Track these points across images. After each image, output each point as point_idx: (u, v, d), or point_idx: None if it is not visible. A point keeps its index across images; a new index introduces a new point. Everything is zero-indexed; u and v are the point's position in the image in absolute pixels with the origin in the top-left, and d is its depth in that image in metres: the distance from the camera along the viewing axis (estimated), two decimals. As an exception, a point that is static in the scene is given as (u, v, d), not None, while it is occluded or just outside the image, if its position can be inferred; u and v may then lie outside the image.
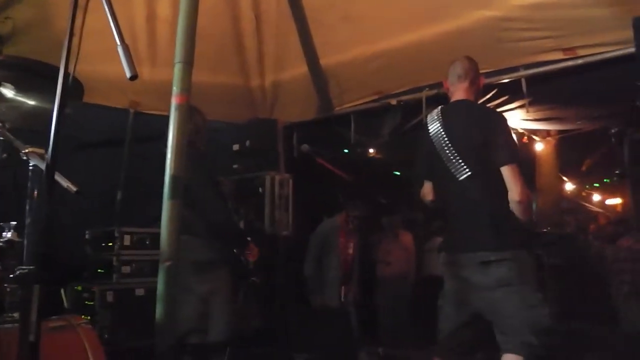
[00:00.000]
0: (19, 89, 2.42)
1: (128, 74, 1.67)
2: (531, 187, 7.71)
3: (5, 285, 2.05)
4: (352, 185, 4.31)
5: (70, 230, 5.04)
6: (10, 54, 4.11)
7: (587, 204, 11.76)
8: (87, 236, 5.25)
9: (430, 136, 2.96)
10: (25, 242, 2.13)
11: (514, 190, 2.73)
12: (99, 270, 5.06)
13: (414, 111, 5.01)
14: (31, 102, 2.48)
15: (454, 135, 2.89)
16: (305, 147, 3.96)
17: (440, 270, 3.13)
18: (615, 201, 11.63)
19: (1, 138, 2.30)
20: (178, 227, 2.87)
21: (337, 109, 5.48)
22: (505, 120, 2.92)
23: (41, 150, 2.04)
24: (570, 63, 4.18)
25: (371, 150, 7.34)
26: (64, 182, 1.91)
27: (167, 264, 2.82)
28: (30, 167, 2.12)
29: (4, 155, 2.34)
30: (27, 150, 2.07)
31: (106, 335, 4.66)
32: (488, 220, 2.79)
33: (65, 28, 1.67)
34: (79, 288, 4.95)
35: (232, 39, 5.08)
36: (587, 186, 11.91)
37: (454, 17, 4.25)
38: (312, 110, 5.63)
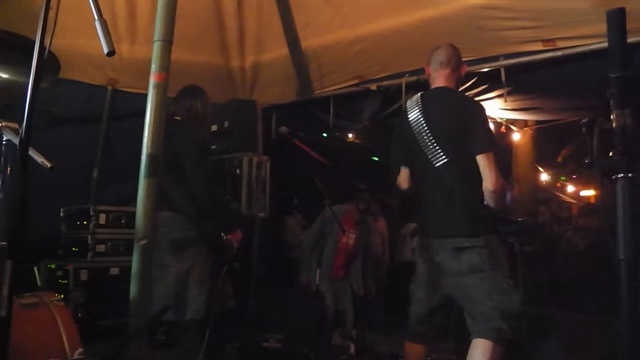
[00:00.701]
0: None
1: (105, 50, 1.66)
2: (507, 176, 7.83)
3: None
4: (329, 169, 4.32)
5: (45, 208, 5.00)
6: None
7: (561, 195, 11.93)
8: (62, 214, 5.22)
9: (409, 122, 2.97)
10: (-2, 217, 2.10)
11: (488, 179, 2.75)
12: (74, 249, 5.04)
13: (393, 97, 5.02)
14: (4, 75, 2.44)
15: (432, 122, 2.90)
16: (283, 129, 3.94)
17: (412, 256, 3.16)
18: (589, 192, 11.80)
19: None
20: (154, 205, 2.86)
21: (317, 92, 5.47)
22: (483, 109, 2.93)
23: (15, 125, 2.02)
24: (549, 54, 4.21)
25: (350, 135, 7.37)
26: (38, 158, 1.89)
27: (142, 242, 2.81)
28: (4, 142, 2.10)
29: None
30: (0, 125, 2.04)
31: (80, 314, 4.65)
32: (462, 206, 2.81)
33: (41, 1, 1.64)
34: (53, 266, 4.92)
35: (213, 18, 5.03)
36: (562, 177, 12.08)
37: (437, 3, 4.25)
38: (292, 92, 5.62)
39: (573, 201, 11.35)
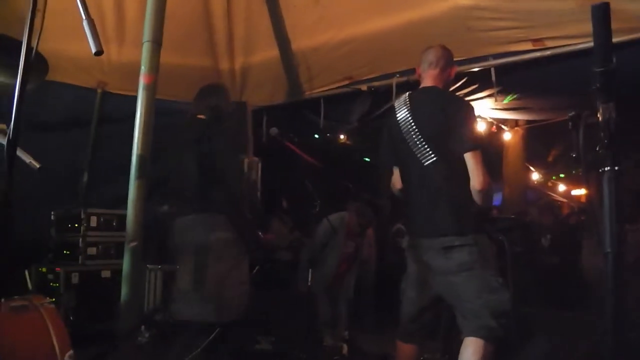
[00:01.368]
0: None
1: (93, 49, 1.65)
2: (498, 176, 7.86)
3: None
4: (321, 171, 4.32)
5: (36, 211, 4.97)
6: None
7: (552, 194, 11.98)
8: (52, 217, 5.18)
9: (398, 121, 2.97)
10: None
11: (475, 178, 2.75)
12: (65, 252, 5.00)
13: (383, 98, 5.03)
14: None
15: (420, 121, 2.90)
16: (274, 130, 3.94)
17: (393, 258, 3.16)
18: (580, 192, 11.86)
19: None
20: (144, 207, 2.86)
21: (307, 93, 5.47)
22: (469, 107, 2.93)
23: (2, 125, 2.00)
24: (538, 54, 4.23)
25: (341, 136, 7.37)
26: (26, 158, 1.88)
27: (133, 244, 2.81)
28: (-9, 143, 2.08)
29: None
30: (-14, 126, 2.03)
31: (71, 318, 4.62)
32: (450, 205, 2.81)
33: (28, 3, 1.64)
34: (44, 270, 4.89)
35: (202, 19, 5.02)
36: (553, 177, 12.13)
37: (426, 4, 4.26)
38: (282, 94, 5.62)
39: (564, 200, 11.40)
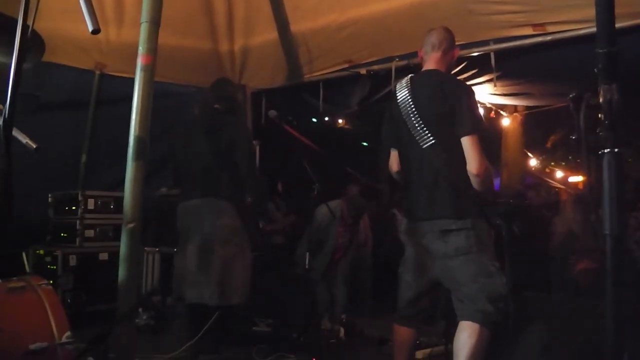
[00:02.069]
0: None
1: (90, 28, 1.63)
2: (497, 161, 7.85)
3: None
4: (319, 154, 4.30)
5: (33, 194, 4.98)
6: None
7: (550, 180, 11.98)
8: (50, 199, 5.18)
9: (398, 103, 2.96)
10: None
11: (472, 163, 2.74)
12: (62, 234, 5.02)
13: (383, 81, 5.01)
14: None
15: (420, 104, 2.88)
16: (272, 112, 3.92)
17: (390, 242, 3.16)
18: (577, 178, 11.85)
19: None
20: (142, 188, 2.85)
21: (306, 76, 5.45)
22: (470, 91, 2.92)
23: (-1, 105, 1.99)
24: (539, 39, 4.21)
25: (340, 120, 7.35)
26: (23, 138, 1.86)
27: (130, 225, 2.80)
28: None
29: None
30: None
31: (69, 300, 4.64)
32: (448, 189, 2.80)
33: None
34: (41, 252, 4.90)
35: (202, 1, 4.99)
36: (552, 163, 12.12)
37: (427, -14, 4.23)
38: (282, 77, 5.59)
39: (562, 186, 11.40)
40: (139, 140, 2.84)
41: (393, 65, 4.84)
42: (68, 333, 2.30)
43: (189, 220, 3.66)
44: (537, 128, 8.23)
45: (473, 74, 4.70)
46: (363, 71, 5.10)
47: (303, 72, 5.42)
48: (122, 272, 2.83)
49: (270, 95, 5.86)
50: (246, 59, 5.59)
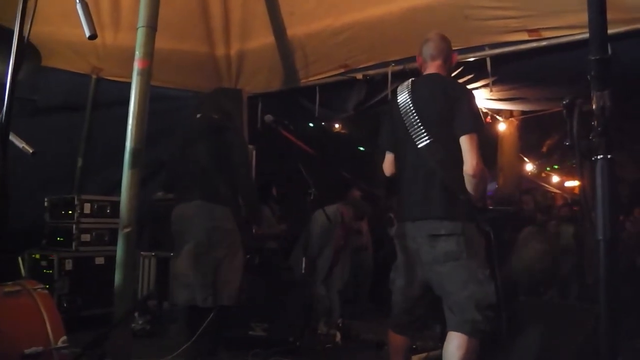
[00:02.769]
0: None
1: (87, 33, 1.64)
2: (492, 166, 7.88)
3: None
4: (315, 159, 4.31)
5: (29, 198, 4.97)
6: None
7: (546, 185, 12.01)
8: (46, 203, 5.17)
9: (398, 104, 2.96)
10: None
11: (468, 163, 2.71)
12: (58, 238, 5.01)
13: (379, 86, 5.02)
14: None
15: (420, 104, 2.88)
16: (268, 117, 3.93)
17: (388, 247, 3.13)
18: (573, 183, 11.89)
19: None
20: (138, 193, 2.85)
21: (302, 81, 5.45)
22: (470, 93, 2.91)
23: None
24: (534, 44, 4.23)
25: (336, 125, 7.37)
26: (19, 143, 1.87)
27: (127, 230, 2.80)
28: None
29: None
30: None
31: (64, 304, 4.63)
32: (441, 189, 2.77)
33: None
34: (37, 256, 4.89)
35: (198, 5, 4.99)
36: (547, 168, 12.16)
37: (422, -8, 4.25)
38: (278, 81, 5.60)
39: (557, 191, 11.43)
40: (135, 144, 2.84)
41: (389, 70, 4.86)
42: (64, 337, 2.29)
43: (182, 224, 3.67)
44: (532, 133, 8.27)
45: (469, 79, 4.71)
46: (359, 76, 5.11)
47: (299, 76, 5.42)
48: (118, 277, 2.83)
49: (266, 99, 5.87)
50: (242, 63, 5.60)
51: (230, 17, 5.15)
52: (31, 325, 2.27)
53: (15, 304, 2.32)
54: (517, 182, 8.40)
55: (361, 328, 5.09)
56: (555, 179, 12.42)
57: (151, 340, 4.59)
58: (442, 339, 3.61)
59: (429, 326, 3.18)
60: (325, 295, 5.37)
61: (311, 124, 6.81)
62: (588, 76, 1.31)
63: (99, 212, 5.06)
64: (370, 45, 4.89)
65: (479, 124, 2.86)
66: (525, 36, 4.24)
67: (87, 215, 4.97)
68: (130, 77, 2.96)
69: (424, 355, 4.13)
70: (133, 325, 4.56)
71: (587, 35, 1.42)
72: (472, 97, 2.88)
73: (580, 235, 6.15)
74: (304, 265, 4.41)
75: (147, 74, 2.92)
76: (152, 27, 2.96)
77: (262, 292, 4.44)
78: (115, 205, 3.97)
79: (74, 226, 4.89)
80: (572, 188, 11.77)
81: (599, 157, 1.25)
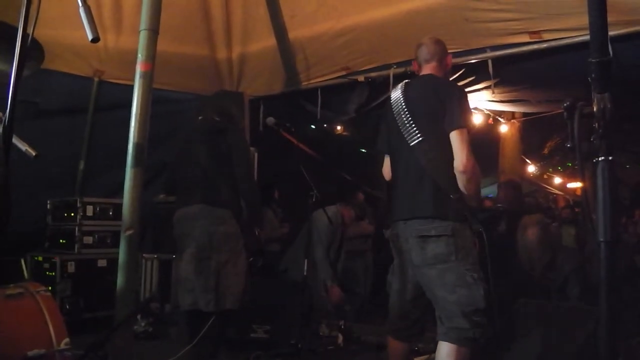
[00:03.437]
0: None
1: (90, 36, 1.64)
2: (494, 168, 7.88)
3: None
4: (317, 161, 4.33)
5: (32, 200, 4.98)
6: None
7: (547, 187, 12.01)
8: (48, 206, 5.18)
9: (391, 104, 2.98)
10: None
11: (458, 158, 2.68)
12: (61, 241, 5.02)
13: (380, 88, 5.03)
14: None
15: (412, 103, 2.88)
16: (270, 120, 3.94)
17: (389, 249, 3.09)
18: (575, 185, 11.88)
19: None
20: (140, 195, 2.86)
21: (304, 83, 5.46)
22: (462, 91, 2.90)
23: (-1, 113, 2.00)
24: (535, 46, 4.23)
25: (338, 127, 7.37)
26: (22, 146, 1.87)
27: (129, 232, 2.81)
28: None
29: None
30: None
31: (67, 306, 4.64)
32: (432, 188, 2.75)
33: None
34: (39, 258, 4.90)
35: (200, 8, 5.01)
36: (549, 169, 12.16)
37: (424, -6, 4.26)
38: (279, 83, 5.61)
39: (559, 193, 11.43)
40: (137, 146, 2.86)
41: (391, 72, 4.87)
42: (66, 340, 2.30)
43: (184, 227, 3.67)
44: (534, 134, 8.26)
45: (471, 80, 4.72)
46: (361, 78, 5.11)
47: (300, 79, 5.43)
48: (120, 279, 2.84)
49: (268, 102, 5.87)
50: (244, 66, 5.61)
51: (232, 20, 5.16)
52: (34, 328, 2.28)
53: (17, 306, 2.33)
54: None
55: (363, 330, 5.09)
56: (557, 180, 12.42)
57: (153, 342, 4.59)
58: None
59: (430, 328, 3.14)
60: (326, 296, 5.36)
61: (313, 126, 6.81)
62: (589, 78, 1.31)
63: (102, 215, 5.07)
64: (372, 47, 4.89)
65: (468, 120, 2.82)
66: (526, 38, 4.24)
67: (89, 218, 4.98)
68: (133, 79, 2.98)
69: (425, 357, 4.12)
70: (135, 327, 4.56)
71: (588, 38, 1.42)
72: (463, 95, 2.86)
73: (581, 237, 6.16)
74: (306, 267, 4.40)
75: (149, 77, 2.93)
76: (154, 30, 2.97)
77: (264, 294, 4.44)
78: (118, 207, 3.97)
79: (77, 228, 4.90)
80: (574, 190, 11.77)
81: (599, 159, 1.25)
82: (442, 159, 2.74)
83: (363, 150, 8.71)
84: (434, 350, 4.12)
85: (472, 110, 6.12)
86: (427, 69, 3.06)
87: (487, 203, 7.78)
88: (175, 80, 5.43)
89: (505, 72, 4.58)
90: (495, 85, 4.67)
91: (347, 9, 4.67)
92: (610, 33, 3.38)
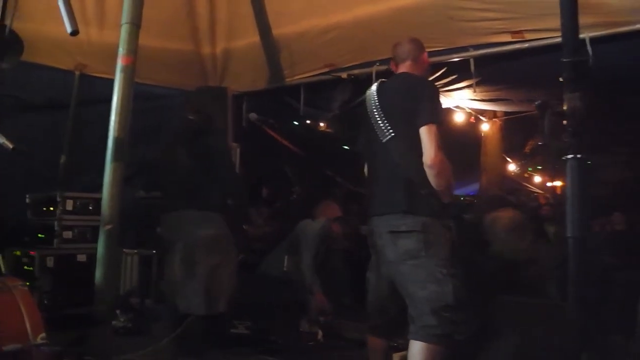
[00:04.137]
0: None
1: (69, 29, 1.64)
2: (476, 166, 7.93)
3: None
4: (300, 157, 4.33)
5: (11, 195, 4.93)
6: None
7: (528, 185, 12.10)
8: (27, 200, 5.13)
9: (365, 102, 3.02)
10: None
11: (427, 153, 2.70)
12: (40, 235, 4.96)
13: (363, 86, 5.03)
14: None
15: (385, 101, 2.92)
16: (253, 115, 3.95)
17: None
18: (556, 183, 11.97)
19: None
20: (120, 190, 2.85)
21: (288, 80, 5.45)
22: (433, 86, 2.98)
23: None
24: (517, 46, 4.27)
25: (321, 124, 7.38)
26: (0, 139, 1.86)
27: (108, 227, 2.80)
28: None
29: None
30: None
31: (46, 302, 4.59)
32: (403, 183, 2.77)
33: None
34: (18, 253, 4.85)
35: (185, 4, 5.00)
36: (529, 168, 12.24)
37: (408, -7, 4.28)
38: (263, 80, 5.60)
39: (539, 191, 11.52)
40: (118, 141, 2.84)
41: (374, 69, 4.87)
42: (43, 334, 2.29)
43: (175, 233, 3.66)
44: (516, 133, 8.32)
45: (453, 79, 4.75)
46: (344, 75, 5.12)
47: (284, 75, 5.43)
48: (99, 274, 2.83)
49: (251, 98, 5.86)
50: (228, 62, 5.59)
51: (216, 16, 5.16)
52: (10, 322, 2.27)
53: (-6, 300, 2.32)
54: (500, 183, 8.46)
55: (343, 326, 5.10)
56: (537, 179, 12.51)
57: (133, 337, 4.57)
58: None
59: (408, 324, 3.15)
60: (305, 292, 5.37)
61: (295, 123, 6.81)
62: (560, 78, 1.33)
63: (82, 209, 5.01)
64: (357, 45, 4.91)
65: (439, 116, 2.84)
66: (508, 38, 4.28)
67: (69, 212, 4.92)
68: (114, 73, 2.96)
69: (404, 352, 4.14)
70: (114, 322, 4.53)
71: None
72: (435, 92, 2.92)
73: (561, 234, 6.19)
74: (285, 262, 4.41)
75: (130, 71, 2.92)
76: (135, 24, 2.96)
77: (245, 290, 4.43)
78: (98, 202, 3.92)
79: (56, 223, 4.85)
80: (554, 188, 11.86)
81: (569, 156, 1.27)
82: (414, 154, 2.76)
83: (346, 148, 8.73)
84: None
85: (454, 108, 6.18)
86: (402, 68, 3.11)
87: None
88: (159, 75, 5.40)
89: (487, 71, 4.62)
90: (477, 84, 4.70)
91: (333, 6, 4.69)
92: (594, 34, 3.45)
